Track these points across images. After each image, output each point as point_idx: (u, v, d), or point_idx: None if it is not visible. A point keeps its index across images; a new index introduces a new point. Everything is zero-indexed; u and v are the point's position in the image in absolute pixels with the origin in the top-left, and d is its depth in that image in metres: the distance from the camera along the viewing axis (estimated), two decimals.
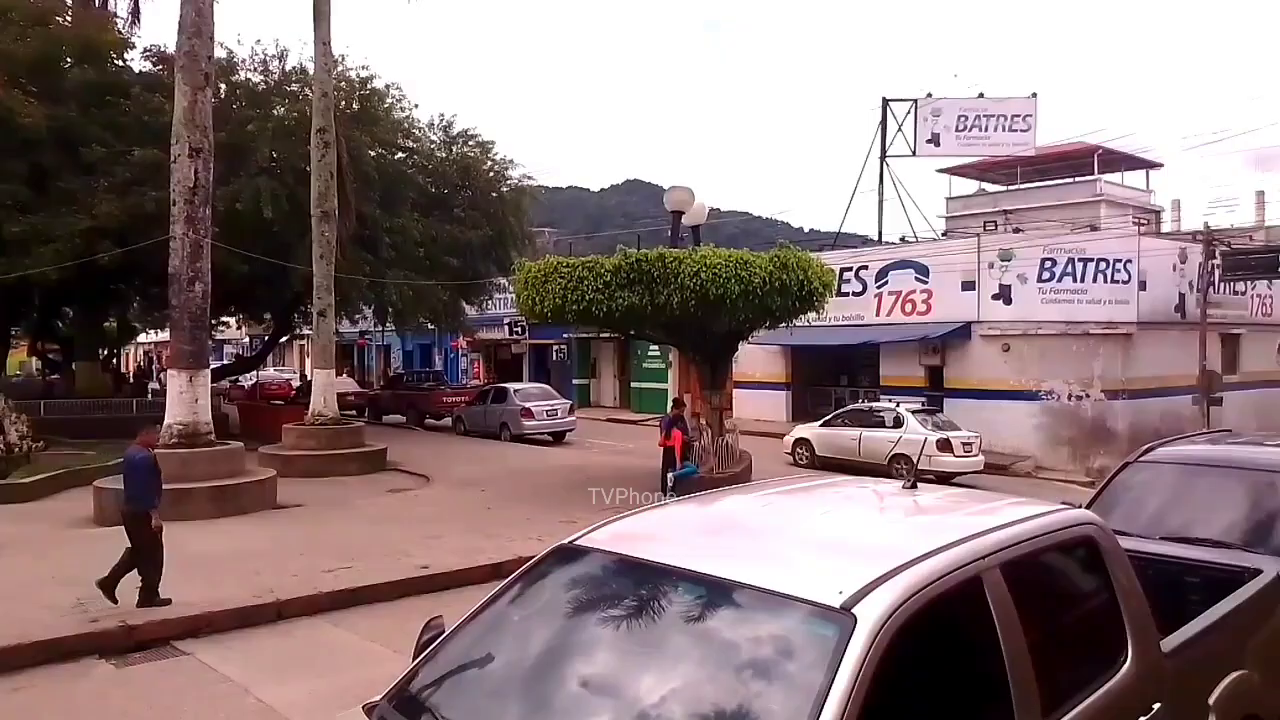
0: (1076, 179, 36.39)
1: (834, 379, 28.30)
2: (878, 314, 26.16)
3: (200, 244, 13.53)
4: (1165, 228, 34.44)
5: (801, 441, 21.23)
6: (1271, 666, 4.35)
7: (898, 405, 20.27)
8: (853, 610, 2.59)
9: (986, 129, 33.86)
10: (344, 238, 20.68)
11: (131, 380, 37.16)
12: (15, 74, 20.48)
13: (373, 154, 24.59)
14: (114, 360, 40.88)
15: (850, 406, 22.34)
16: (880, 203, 32.94)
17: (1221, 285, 25.93)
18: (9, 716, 6.17)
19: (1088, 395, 23.66)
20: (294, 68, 24.60)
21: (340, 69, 23.38)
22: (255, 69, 24.61)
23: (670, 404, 17.81)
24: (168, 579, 8.21)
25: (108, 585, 8.00)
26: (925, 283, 25.21)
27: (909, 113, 33.56)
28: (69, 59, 22.03)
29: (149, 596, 8.02)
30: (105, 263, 19.83)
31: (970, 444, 18.64)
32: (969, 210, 37.10)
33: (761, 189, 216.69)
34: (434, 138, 28.14)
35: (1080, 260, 23.99)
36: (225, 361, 42.15)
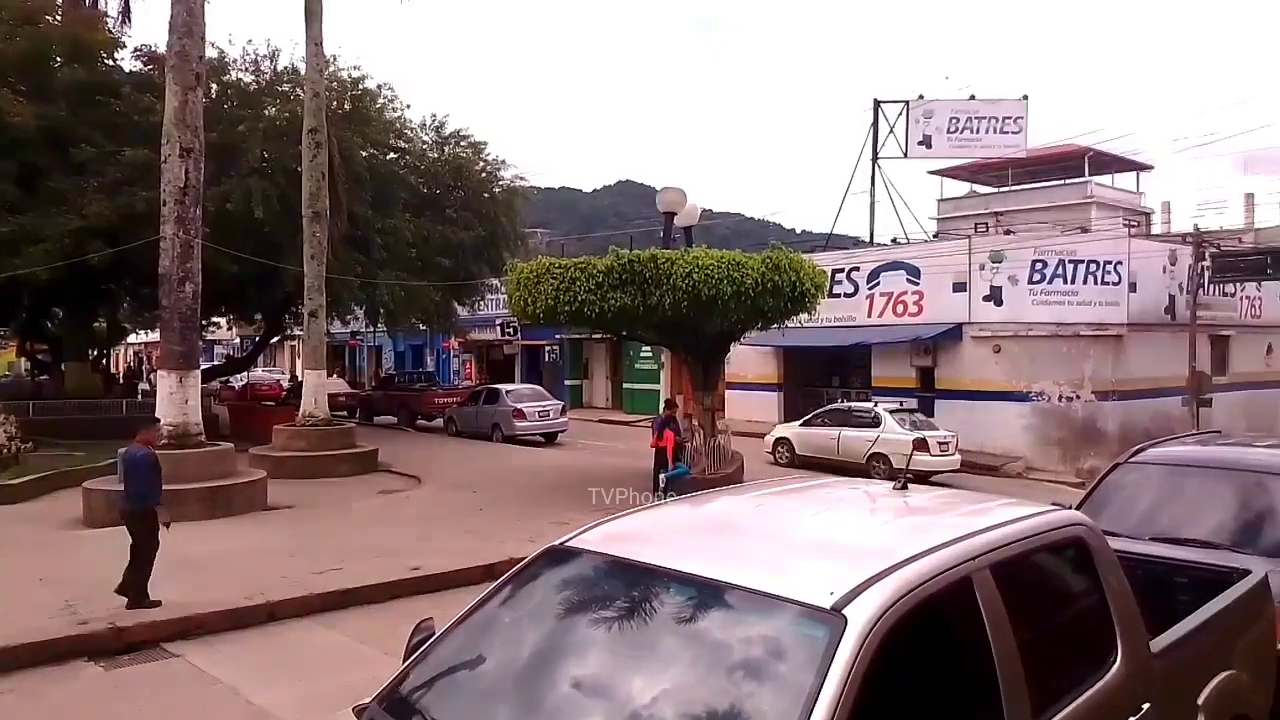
0: (1067, 181, 36.53)
1: (826, 380, 28.34)
2: (869, 315, 26.20)
3: (191, 244, 13.48)
4: (1155, 230, 34.58)
5: (782, 441, 21.47)
6: (1260, 667, 4.38)
7: (875, 405, 20.54)
8: (843, 611, 2.59)
9: (978, 131, 33.99)
10: (335, 238, 20.63)
11: (121, 381, 36.94)
12: (4, 73, 20.41)
13: (365, 154, 24.54)
14: (104, 361, 40.62)
15: (829, 406, 22.44)
16: (872, 204, 33.05)
17: (1211, 287, 26.01)
18: None
19: (1078, 396, 23.74)
20: (285, 68, 24.58)
21: (332, 69, 23.32)
22: (246, 69, 24.58)
23: (662, 405, 17.81)
24: (157, 580, 8.18)
25: (126, 587, 8.08)
26: (917, 284, 25.26)
27: (900, 114, 33.67)
28: (59, 58, 21.93)
29: (138, 598, 7.99)
30: (95, 263, 19.74)
31: (946, 443, 18.87)
32: (960, 212, 37.22)
33: (754, 190, 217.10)
34: (426, 138, 28.11)
35: (1071, 262, 24.07)
36: (216, 362, 42.04)
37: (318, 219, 19.16)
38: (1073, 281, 24.01)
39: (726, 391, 25.38)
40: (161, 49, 17.88)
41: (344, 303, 25.86)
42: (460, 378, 42.05)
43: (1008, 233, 27.08)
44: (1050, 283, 23.91)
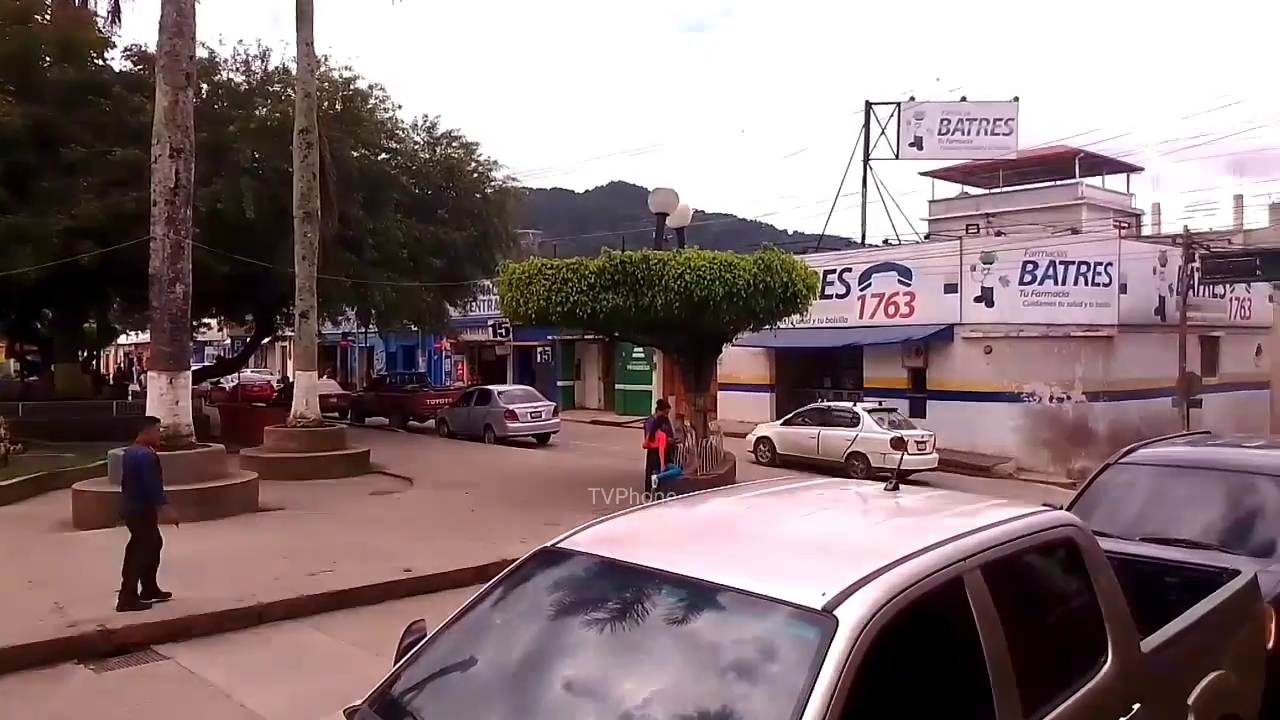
0: (1058, 182, 36.68)
1: (818, 381, 28.38)
2: (861, 316, 26.26)
3: (181, 245, 13.41)
4: (1146, 231, 34.75)
5: (763, 440, 21.80)
6: (1249, 667, 4.39)
7: (855, 404, 20.95)
8: (835, 612, 2.59)
9: (968, 132, 34.09)
10: (327, 239, 20.56)
11: (111, 382, 36.78)
12: None
13: (356, 155, 24.48)
14: (94, 362, 40.51)
15: (810, 405, 22.62)
16: (864, 205, 33.11)
17: (1201, 288, 26.14)
18: None
19: (1069, 397, 23.83)
20: (276, 68, 24.48)
21: (323, 69, 23.26)
22: (237, 69, 24.48)
23: (655, 406, 17.84)
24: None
25: (149, 589, 8.15)
26: (908, 285, 25.32)
27: (892, 116, 33.72)
28: (48, 57, 21.79)
29: (128, 599, 7.95)
30: (85, 263, 19.63)
31: (924, 442, 19.14)
32: (951, 213, 37.34)
33: (746, 191, 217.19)
34: (418, 139, 28.03)
35: (1061, 263, 24.16)
36: (207, 363, 41.85)
37: (309, 219, 19.09)
38: (1063, 283, 24.10)
39: (719, 392, 25.36)
40: (152, 49, 17.78)
41: (335, 303, 25.77)
42: (452, 379, 41.99)
43: (999, 234, 27.19)
44: (1041, 284, 24.00)
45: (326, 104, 23.16)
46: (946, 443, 22.32)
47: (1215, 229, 29.17)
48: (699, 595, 2.91)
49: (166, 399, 13.17)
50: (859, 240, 32.25)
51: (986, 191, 38.71)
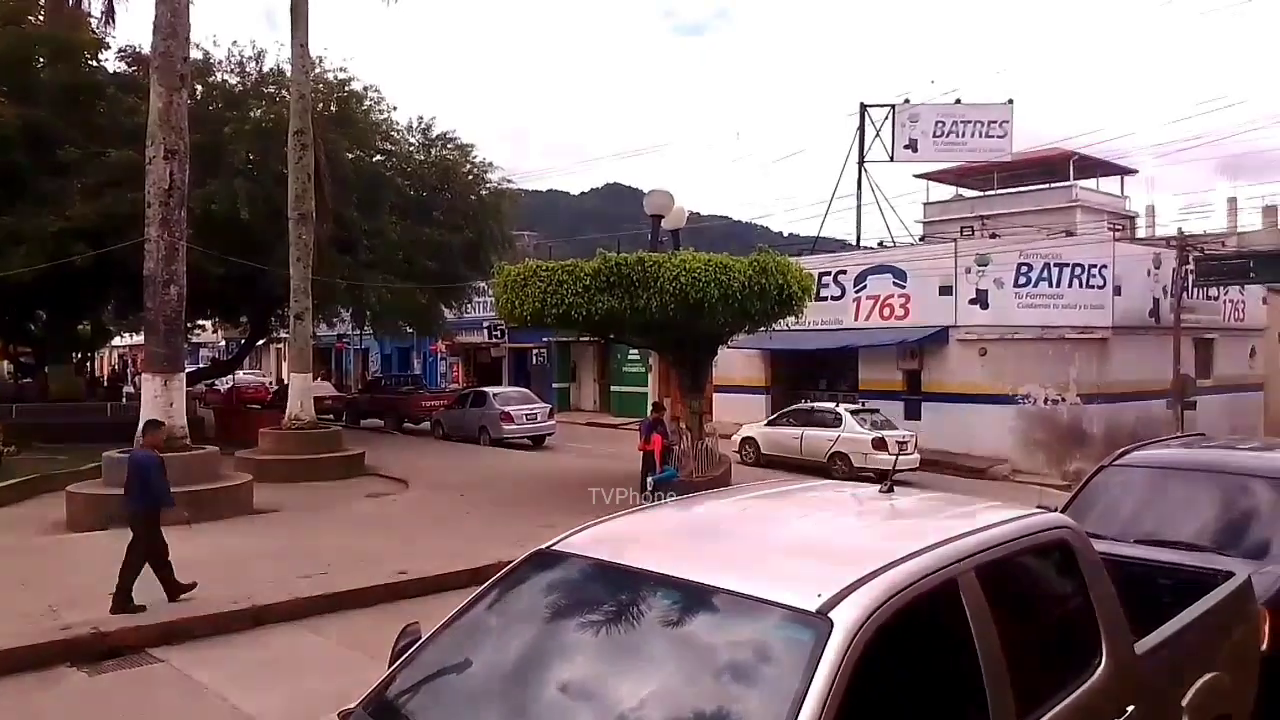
0: (1052, 185, 36.78)
1: (813, 383, 28.36)
2: (856, 318, 26.26)
3: (175, 246, 13.39)
4: (1140, 233, 34.85)
5: (748, 440, 21.98)
6: (1243, 668, 4.40)
7: (837, 405, 21.17)
8: (829, 614, 2.59)
9: (963, 135, 34.14)
10: (321, 240, 20.53)
11: (105, 384, 36.72)
12: None
13: (351, 156, 24.45)
14: (88, 364, 40.42)
15: (794, 406, 22.74)
16: (859, 207, 33.09)
17: (1195, 290, 26.19)
18: None
19: (1064, 399, 23.86)
20: (271, 69, 24.46)
21: (318, 71, 23.24)
22: (232, 70, 24.45)
23: (650, 408, 17.84)
24: (141, 584, 8.12)
25: (170, 589, 8.19)
26: (903, 287, 25.33)
27: (887, 118, 33.76)
28: (42, 58, 21.78)
29: (123, 602, 7.92)
30: (79, 265, 19.58)
31: (905, 442, 19.36)
32: (946, 215, 37.47)
33: (741, 194, 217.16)
34: (413, 140, 27.99)
35: (1056, 265, 24.19)
36: (201, 365, 41.78)
37: (303, 221, 19.07)
38: (1058, 285, 24.13)
39: (714, 394, 25.42)
40: (146, 50, 17.77)
41: (330, 305, 25.75)
42: (447, 381, 41.93)
43: (993, 236, 27.23)
44: (1036, 286, 24.02)
45: (321, 105, 23.15)
46: (942, 444, 22.39)
47: (1209, 231, 29.30)
48: (694, 597, 2.90)
49: (161, 401, 13.13)
50: (854, 242, 32.26)
51: (981, 194, 38.80)
